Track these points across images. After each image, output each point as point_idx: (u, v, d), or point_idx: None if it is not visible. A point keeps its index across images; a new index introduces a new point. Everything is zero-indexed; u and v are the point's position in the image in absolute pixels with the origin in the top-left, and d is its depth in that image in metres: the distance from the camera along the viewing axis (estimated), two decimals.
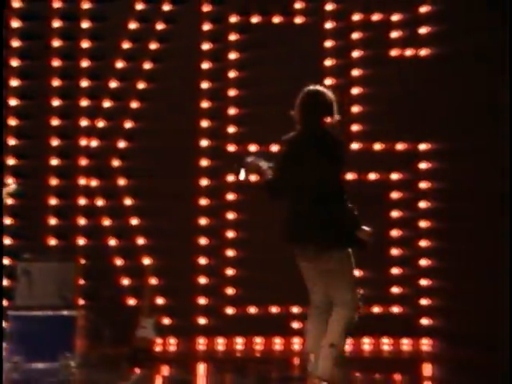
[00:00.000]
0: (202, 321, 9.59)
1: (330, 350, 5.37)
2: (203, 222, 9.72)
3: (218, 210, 9.68)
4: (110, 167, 9.71)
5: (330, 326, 5.47)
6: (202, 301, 9.62)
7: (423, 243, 9.61)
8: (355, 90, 9.78)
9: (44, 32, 9.31)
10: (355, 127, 9.68)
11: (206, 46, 9.79)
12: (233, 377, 7.70)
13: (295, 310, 9.42)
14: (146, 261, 9.46)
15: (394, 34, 9.78)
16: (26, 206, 9.15)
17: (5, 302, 8.11)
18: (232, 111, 9.78)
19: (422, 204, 9.66)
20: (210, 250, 9.64)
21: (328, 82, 9.58)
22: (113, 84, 9.72)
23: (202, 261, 9.64)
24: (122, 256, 9.60)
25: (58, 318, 7.86)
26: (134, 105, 9.74)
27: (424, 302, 9.55)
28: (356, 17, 9.79)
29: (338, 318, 5.47)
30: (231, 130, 9.79)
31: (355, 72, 9.80)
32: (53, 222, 9.29)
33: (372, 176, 9.63)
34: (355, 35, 9.80)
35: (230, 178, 9.30)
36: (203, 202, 9.71)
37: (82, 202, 9.65)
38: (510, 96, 8.10)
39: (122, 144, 9.77)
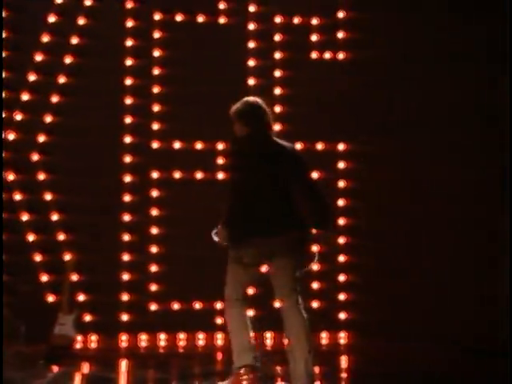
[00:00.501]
0: (124, 317, 7.19)
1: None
2: (127, 217, 7.30)
3: (141, 206, 7.33)
4: (29, 161, 7.10)
5: None
6: (125, 297, 7.23)
7: (341, 240, 7.50)
8: (277, 91, 7.51)
9: None
10: (277, 127, 7.30)
11: (129, 43, 7.39)
12: (155, 373, 6.11)
13: (219, 305, 6.96)
14: (67, 256, 6.92)
15: (314, 38, 7.56)
16: None
17: None
18: (156, 108, 7.42)
19: (340, 202, 7.46)
20: (133, 246, 7.29)
21: (251, 82, 7.49)
22: (32, 77, 7.08)
23: (126, 257, 7.28)
24: (41, 251, 7.09)
25: None
26: (55, 99, 7.19)
27: (341, 296, 7.42)
28: (278, 19, 7.53)
29: None
30: (155, 126, 7.41)
31: (277, 73, 7.53)
32: None
33: None
34: (277, 37, 7.49)
35: (155, 174, 7.35)
36: (127, 198, 7.27)
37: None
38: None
39: (42, 138, 7.17)
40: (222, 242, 4.43)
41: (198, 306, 7.23)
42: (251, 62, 7.50)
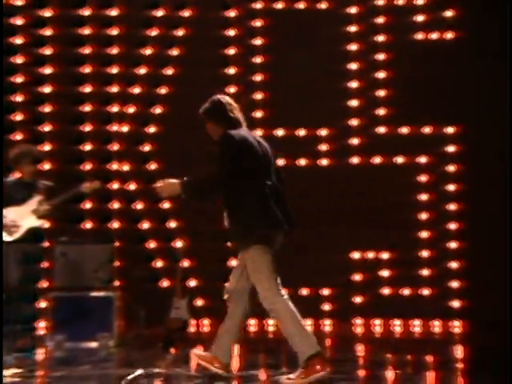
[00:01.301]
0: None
1: None
2: None
3: None
4: (141, 152, 7.32)
5: None
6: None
7: (452, 226, 7.13)
8: (381, 74, 7.28)
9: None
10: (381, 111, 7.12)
11: (231, 32, 7.40)
12: (265, 357, 5.98)
13: (325, 292, 6.95)
14: (179, 243, 7.01)
15: (419, 18, 7.24)
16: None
17: (46, 283, 6.62)
18: (259, 96, 7.37)
19: (451, 187, 7.16)
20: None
21: (353, 66, 7.23)
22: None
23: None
24: (155, 239, 7.21)
25: (96, 299, 6.24)
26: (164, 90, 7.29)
27: (454, 284, 7.07)
28: (380, 1, 7.24)
29: None
30: (258, 114, 7.37)
31: (380, 56, 7.31)
32: (88, 205, 7.16)
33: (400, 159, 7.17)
34: (380, 19, 7.28)
35: None
36: None
37: (116, 186, 7.24)
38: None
39: (152, 129, 7.32)
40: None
41: (304, 292, 7.20)
42: (353, 46, 7.32)
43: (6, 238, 5.54)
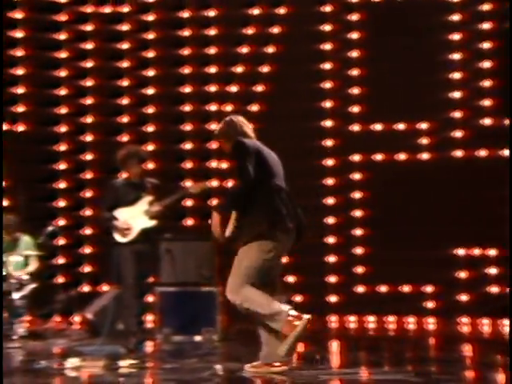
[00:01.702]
0: (333, 298, 7.10)
1: None
2: (330, 201, 7.23)
3: (343, 189, 7.24)
4: None
5: None
6: (332, 279, 7.12)
7: None
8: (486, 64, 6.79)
9: None
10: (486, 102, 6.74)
11: (327, 27, 7.34)
12: (366, 355, 5.70)
13: (428, 289, 6.63)
14: None
15: None
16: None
17: (152, 278, 6.48)
18: (355, 91, 7.25)
19: None
20: (338, 229, 7.18)
21: (456, 56, 6.81)
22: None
23: (331, 239, 7.19)
24: None
25: (200, 293, 6.23)
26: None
27: None
28: None
29: None
30: (355, 109, 7.28)
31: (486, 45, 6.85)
32: (189, 203, 7.29)
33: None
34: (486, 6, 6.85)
35: (356, 157, 6.87)
36: (330, 181, 7.21)
37: (215, 183, 7.31)
38: None
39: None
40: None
41: (406, 289, 6.96)
42: (455, 36, 7.02)
43: (120, 239, 5.45)
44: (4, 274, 5.81)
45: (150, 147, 7.39)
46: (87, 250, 7.30)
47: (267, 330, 4.15)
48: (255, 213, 4.04)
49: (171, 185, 6.24)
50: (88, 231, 7.30)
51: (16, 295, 5.81)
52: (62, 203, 7.37)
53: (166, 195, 5.64)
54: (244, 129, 4.28)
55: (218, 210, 4.15)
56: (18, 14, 7.49)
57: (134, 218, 5.46)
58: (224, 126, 4.33)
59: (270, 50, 7.38)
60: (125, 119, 7.51)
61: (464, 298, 6.77)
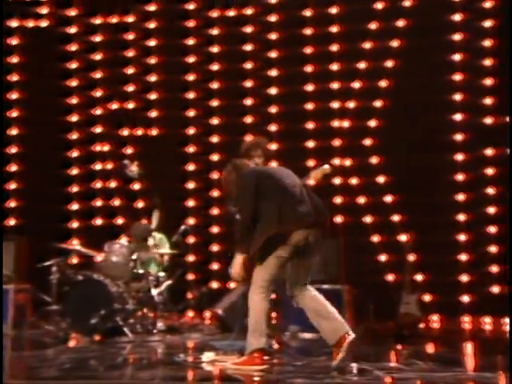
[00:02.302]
0: (465, 298, 6.79)
1: None
2: (461, 197, 6.93)
3: (476, 186, 6.88)
4: (363, 147, 7.21)
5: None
6: (464, 278, 6.78)
7: None
8: None
9: None
10: None
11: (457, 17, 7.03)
12: (503, 359, 5.15)
13: None
14: (403, 237, 6.76)
15: None
16: None
17: None
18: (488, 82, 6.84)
19: None
20: (469, 226, 6.87)
21: None
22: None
23: (462, 237, 6.88)
24: (379, 232, 7.09)
25: (326, 291, 5.70)
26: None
27: None
28: None
29: None
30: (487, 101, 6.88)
31: None
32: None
33: None
34: None
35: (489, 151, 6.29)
36: (460, 177, 6.88)
37: (338, 181, 7.25)
38: None
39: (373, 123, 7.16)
40: None
41: None
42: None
43: None
44: (142, 271, 6.05)
45: (274, 146, 7.42)
46: (215, 247, 7.46)
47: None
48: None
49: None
50: (216, 229, 7.45)
51: (154, 291, 6.04)
52: (191, 203, 7.60)
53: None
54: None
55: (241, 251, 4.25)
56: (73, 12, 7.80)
57: None
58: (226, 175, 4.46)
59: (394, 43, 7.17)
60: (249, 119, 7.61)
61: None
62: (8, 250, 6.29)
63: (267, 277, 4.27)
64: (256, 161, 5.49)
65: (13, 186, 7.67)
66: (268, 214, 4.20)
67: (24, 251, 6.32)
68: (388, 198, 7.13)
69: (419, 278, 6.82)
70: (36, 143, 7.60)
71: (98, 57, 7.83)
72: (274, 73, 7.56)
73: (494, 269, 6.75)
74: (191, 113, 7.70)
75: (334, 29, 7.39)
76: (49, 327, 6.07)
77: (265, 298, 4.28)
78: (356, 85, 7.27)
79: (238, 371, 4.24)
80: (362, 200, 7.21)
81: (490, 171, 6.90)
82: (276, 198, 4.22)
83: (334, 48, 7.37)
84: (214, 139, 7.63)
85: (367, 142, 7.23)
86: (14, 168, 7.72)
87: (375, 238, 7.10)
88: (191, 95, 7.70)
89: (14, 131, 7.76)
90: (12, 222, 7.61)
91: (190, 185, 7.64)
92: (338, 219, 7.17)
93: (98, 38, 7.84)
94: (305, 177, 5.11)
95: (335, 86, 7.35)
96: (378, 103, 7.20)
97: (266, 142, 5.64)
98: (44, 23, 7.86)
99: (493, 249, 6.80)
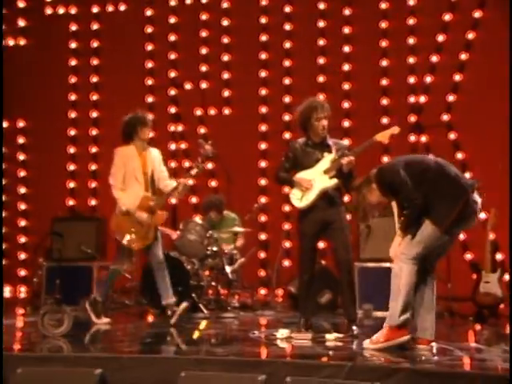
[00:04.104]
0: None
1: None
2: None
3: None
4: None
5: None
6: None
7: None
8: None
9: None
10: None
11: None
12: None
13: None
14: (484, 215, 6.45)
15: None
16: None
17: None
18: None
19: None
20: None
21: None
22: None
23: None
24: None
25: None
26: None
27: None
28: None
29: None
30: None
31: None
32: None
33: None
34: None
35: None
36: None
37: None
38: None
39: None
40: None
41: None
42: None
43: (297, 203, 4.74)
44: (216, 249, 6.07)
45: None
46: (286, 226, 7.39)
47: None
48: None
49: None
50: (288, 208, 7.37)
51: (228, 269, 6.04)
52: (263, 181, 7.55)
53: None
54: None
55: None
56: None
57: (314, 179, 4.69)
58: None
59: None
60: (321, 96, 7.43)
61: None
62: (89, 229, 6.47)
63: (421, 250, 4.19)
64: (313, 129, 4.73)
65: (93, 167, 7.86)
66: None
67: (104, 230, 6.47)
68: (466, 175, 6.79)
69: (500, 256, 6.50)
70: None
71: (172, 38, 7.86)
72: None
73: None
74: (263, 91, 7.62)
75: None
76: (129, 302, 6.22)
77: (417, 272, 4.20)
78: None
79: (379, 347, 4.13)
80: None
81: None
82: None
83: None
84: (286, 117, 7.53)
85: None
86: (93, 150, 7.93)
87: None
88: (264, 73, 7.61)
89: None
90: (93, 201, 7.84)
91: (263, 163, 7.58)
92: None
93: (172, 20, 7.88)
94: (369, 139, 4.71)
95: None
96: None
97: (322, 103, 4.83)
98: (122, 7, 7.97)
99: None
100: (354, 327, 4.74)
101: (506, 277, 6.43)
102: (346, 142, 5.02)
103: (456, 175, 4.23)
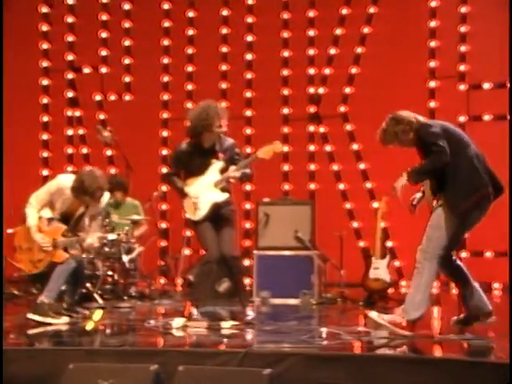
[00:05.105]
0: None
1: None
2: None
3: None
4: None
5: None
6: None
7: None
8: None
9: None
10: None
11: None
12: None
13: None
14: (376, 204, 6.75)
15: None
16: None
17: (248, 243, 6.83)
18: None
19: None
20: None
21: None
22: None
23: None
24: (350, 199, 7.13)
25: (297, 258, 6.17)
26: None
27: None
28: None
29: None
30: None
31: None
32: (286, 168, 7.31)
33: None
34: None
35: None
36: None
37: (312, 148, 7.23)
38: None
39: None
40: None
41: None
42: None
43: (191, 217, 4.65)
44: (114, 237, 5.94)
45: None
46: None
47: None
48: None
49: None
50: None
51: (125, 258, 5.95)
52: (164, 169, 7.47)
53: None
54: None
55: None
56: None
57: (204, 191, 4.58)
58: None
59: None
60: (223, 85, 7.42)
61: None
62: None
63: (446, 244, 4.09)
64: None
65: None
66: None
67: None
68: (361, 165, 7.07)
69: (389, 243, 6.81)
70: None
71: (70, 20, 7.56)
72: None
73: None
74: (165, 78, 7.52)
75: None
76: (18, 293, 5.98)
77: (436, 269, 4.15)
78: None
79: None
80: (334, 167, 7.15)
81: None
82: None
83: None
84: (189, 105, 7.48)
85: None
86: None
87: (347, 205, 7.05)
88: (166, 60, 7.51)
89: None
90: None
91: (164, 151, 7.51)
92: (312, 186, 7.11)
93: (71, 1, 7.59)
94: (252, 155, 4.67)
95: None
96: None
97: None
98: None
99: None
100: (249, 314, 4.78)
101: (396, 263, 6.76)
102: (231, 140, 4.73)
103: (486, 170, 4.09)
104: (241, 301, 4.84)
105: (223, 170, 4.59)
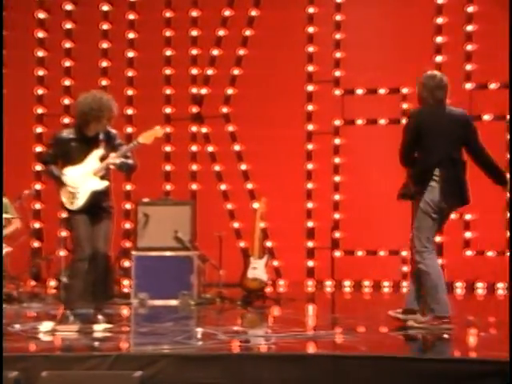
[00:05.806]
0: (310, 263, 7.02)
1: None
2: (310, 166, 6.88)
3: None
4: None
5: None
6: (310, 244, 7.04)
7: None
8: None
9: None
10: None
11: None
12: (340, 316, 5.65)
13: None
14: (256, 204, 6.82)
15: None
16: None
17: (128, 243, 6.67)
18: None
19: None
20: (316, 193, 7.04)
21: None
22: None
23: (310, 205, 7.07)
24: (231, 200, 7.16)
25: (177, 258, 6.04)
26: None
27: None
28: None
29: None
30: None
31: None
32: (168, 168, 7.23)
33: None
34: None
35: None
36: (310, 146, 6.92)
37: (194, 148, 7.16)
38: None
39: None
40: None
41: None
42: None
43: (69, 207, 4.46)
44: None
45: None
46: (63, 214, 7.06)
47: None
48: None
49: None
50: None
51: None
52: (38, 167, 7.13)
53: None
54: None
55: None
56: None
57: (82, 179, 4.40)
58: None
59: None
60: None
61: None
62: None
63: (424, 233, 4.09)
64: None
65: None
66: None
67: None
68: (242, 166, 7.14)
69: (268, 243, 6.93)
70: None
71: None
72: None
73: (337, 235, 7.00)
74: (40, 72, 7.19)
75: None
76: None
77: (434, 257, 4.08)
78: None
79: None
80: (216, 167, 7.17)
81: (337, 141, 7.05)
82: None
83: None
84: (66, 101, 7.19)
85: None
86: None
87: (228, 205, 7.09)
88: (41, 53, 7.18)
89: None
90: None
91: (38, 148, 7.17)
92: (193, 186, 7.08)
93: None
94: (134, 141, 4.50)
95: None
96: None
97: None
98: None
99: (336, 216, 7.03)
100: (99, 316, 4.53)
101: (274, 263, 6.88)
102: (114, 131, 4.56)
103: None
104: (101, 301, 4.67)
105: (103, 158, 4.41)
